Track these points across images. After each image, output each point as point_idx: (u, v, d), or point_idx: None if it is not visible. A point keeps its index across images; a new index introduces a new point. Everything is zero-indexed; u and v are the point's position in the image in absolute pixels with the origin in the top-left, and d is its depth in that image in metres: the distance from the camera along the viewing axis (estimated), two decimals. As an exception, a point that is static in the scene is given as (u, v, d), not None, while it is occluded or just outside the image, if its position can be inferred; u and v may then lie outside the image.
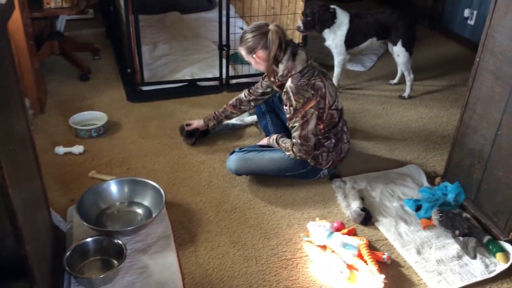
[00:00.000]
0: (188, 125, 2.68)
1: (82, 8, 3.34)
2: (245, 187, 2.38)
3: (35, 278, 1.40)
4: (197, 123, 2.68)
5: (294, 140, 2.24)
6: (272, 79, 2.33)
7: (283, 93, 2.23)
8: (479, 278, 1.87)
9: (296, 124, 2.20)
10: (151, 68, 3.53)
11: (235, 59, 3.58)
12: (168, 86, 3.33)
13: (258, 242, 2.04)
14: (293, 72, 2.19)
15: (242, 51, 2.28)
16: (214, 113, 2.66)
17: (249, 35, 2.21)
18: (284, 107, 2.25)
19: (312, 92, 2.16)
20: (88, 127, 2.71)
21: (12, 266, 1.38)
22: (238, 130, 2.86)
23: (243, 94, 2.61)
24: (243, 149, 2.40)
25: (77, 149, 2.57)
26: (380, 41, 3.27)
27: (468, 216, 2.15)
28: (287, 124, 2.32)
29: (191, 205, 2.23)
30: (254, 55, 2.24)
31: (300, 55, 2.21)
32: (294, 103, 2.17)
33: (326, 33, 3.14)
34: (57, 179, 2.37)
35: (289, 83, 2.19)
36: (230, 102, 2.64)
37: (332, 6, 3.10)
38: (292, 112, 2.20)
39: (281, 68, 2.22)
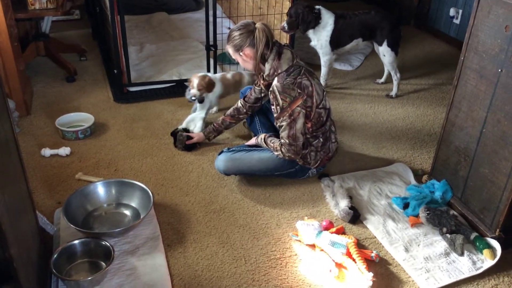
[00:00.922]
0: (188, 138, 2.64)
1: (68, 9, 3.31)
2: (234, 187, 2.37)
3: (21, 282, 1.38)
4: (198, 137, 2.65)
5: (282, 140, 2.24)
6: (261, 80, 2.33)
7: (269, 93, 2.23)
8: (467, 274, 1.89)
9: (284, 123, 2.20)
10: (138, 68, 3.51)
11: (223, 59, 3.58)
12: (155, 87, 3.32)
13: (247, 242, 2.03)
14: (279, 71, 2.19)
15: (230, 49, 2.28)
16: (213, 125, 2.66)
17: (236, 33, 2.21)
18: (272, 107, 2.25)
19: (299, 91, 2.16)
20: (75, 129, 2.69)
21: (-3, 270, 1.36)
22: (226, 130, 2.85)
23: (239, 103, 2.60)
24: (232, 149, 2.39)
25: (64, 151, 2.54)
26: (366, 42, 3.29)
27: (455, 213, 2.17)
28: (275, 124, 2.32)
29: (180, 206, 2.22)
30: (241, 53, 2.23)
31: (285, 54, 2.21)
32: (280, 102, 2.17)
33: (311, 33, 3.16)
34: (43, 181, 2.35)
35: (275, 82, 2.19)
36: (228, 112, 2.63)
37: (317, 7, 3.11)
38: (279, 111, 2.20)
39: (267, 68, 2.22)
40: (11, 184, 1.50)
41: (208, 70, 3.35)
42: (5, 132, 1.51)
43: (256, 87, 2.52)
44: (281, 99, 2.16)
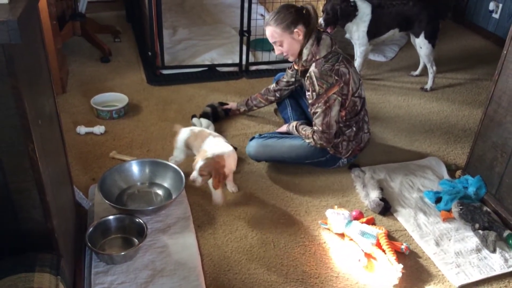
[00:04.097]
0: (222, 104, 2.82)
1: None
2: (264, 173, 2.38)
3: (60, 252, 1.42)
4: (231, 104, 2.81)
5: (315, 128, 2.23)
6: (295, 66, 2.32)
7: (306, 79, 2.22)
8: (498, 272, 1.87)
9: (319, 110, 2.19)
10: (171, 52, 3.53)
11: (256, 45, 3.57)
12: (187, 71, 3.34)
13: (276, 228, 2.04)
14: (317, 57, 2.17)
15: (278, 29, 2.17)
16: (247, 99, 2.75)
17: (286, 12, 2.16)
18: (307, 93, 2.24)
19: (336, 78, 2.15)
20: (109, 108, 2.73)
21: (39, 239, 1.40)
22: (257, 116, 2.85)
23: (272, 85, 2.65)
24: (263, 135, 2.40)
25: (98, 129, 2.59)
26: (402, 33, 3.23)
27: (489, 210, 2.13)
28: (308, 110, 2.31)
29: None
30: (295, 30, 2.16)
31: (324, 40, 2.19)
32: (317, 88, 2.16)
33: (349, 26, 3.10)
34: (78, 158, 2.40)
35: (312, 68, 2.17)
36: (262, 91, 2.70)
37: None
38: (314, 98, 2.19)
39: (305, 53, 2.20)
40: (54, 157, 1.55)
41: (241, 56, 3.35)
42: (50, 106, 1.55)
43: (289, 71, 2.52)
44: (318, 85, 2.15)
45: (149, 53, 3.24)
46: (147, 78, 3.23)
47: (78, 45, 3.62)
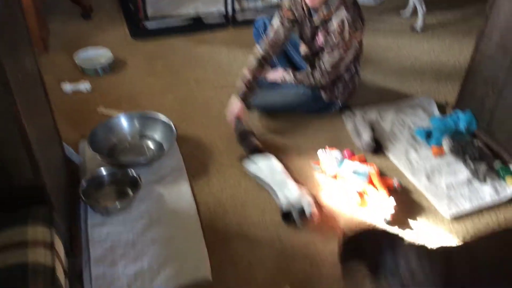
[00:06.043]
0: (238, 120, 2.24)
1: None
2: (255, 121, 2.37)
3: (53, 205, 1.43)
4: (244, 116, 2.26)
5: (322, 66, 2.15)
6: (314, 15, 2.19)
7: (334, 24, 2.06)
8: (489, 201, 1.90)
9: (336, 54, 2.11)
10: (154, 5, 3.42)
11: (240, -7, 3.46)
12: (172, 24, 3.25)
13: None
14: (346, 3, 2.06)
15: None
16: (245, 88, 2.24)
17: None
18: (326, 37, 2.11)
19: (361, 23, 2.09)
20: (94, 65, 2.67)
21: (30, 195, 1.39)
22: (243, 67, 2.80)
23: (259, 51, 2.26)
24: (254, 83, 2.36)
25: (84, 86, 2.54)
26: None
27: (480, 144, 2.14)
28: (322, 51, 2.16)
29: (202, 139, 2.24)
30: None
31: None
32: (347, 34, 2.06)
33: None
34: (66, 115, 2.36)
35: (344, 13, 2.05)
36: (252, 66, 2.27)
37: None
38: (339, 43, 2.08)
39: None
40: (39, 115, 1.53)
41: (226, 6, 3.25)
42: (31, 64, 1.51)
43: (283, 25, 2.23)
44: (348, 31, 2.05)
45: (131, 6, 3.14)
46: (130, 33, 3.15)
47: (58, 3, 3.50)
